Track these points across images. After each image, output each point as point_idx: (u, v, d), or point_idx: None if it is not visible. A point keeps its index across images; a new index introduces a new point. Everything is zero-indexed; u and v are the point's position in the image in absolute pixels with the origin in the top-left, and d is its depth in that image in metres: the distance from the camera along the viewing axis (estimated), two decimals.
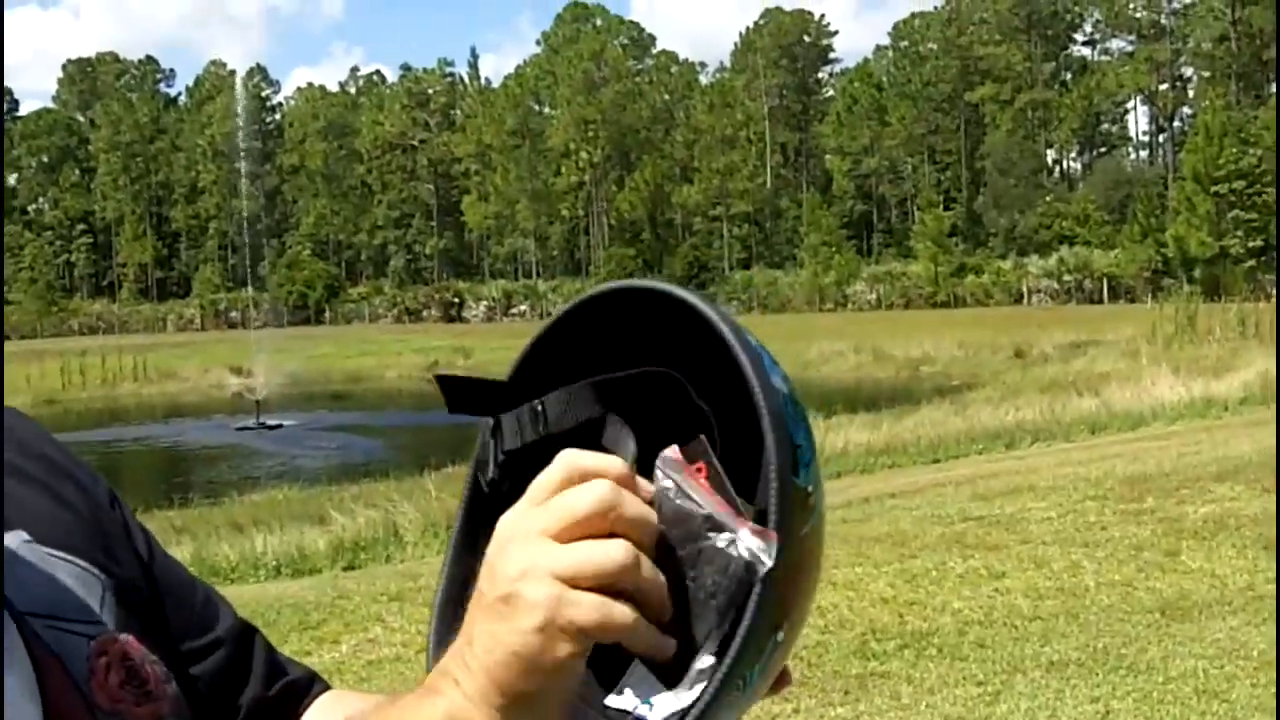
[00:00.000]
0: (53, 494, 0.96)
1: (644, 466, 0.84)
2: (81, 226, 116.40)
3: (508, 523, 0.78)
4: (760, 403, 0.78)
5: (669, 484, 0.78)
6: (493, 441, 0.87)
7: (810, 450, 0.81)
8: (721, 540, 0.76)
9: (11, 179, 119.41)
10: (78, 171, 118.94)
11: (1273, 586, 7.05)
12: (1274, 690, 5.39)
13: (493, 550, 0.77)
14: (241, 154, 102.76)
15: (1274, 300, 33.15)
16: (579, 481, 0.75)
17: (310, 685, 1.09)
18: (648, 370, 0.86)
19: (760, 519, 0.77)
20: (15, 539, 0.89)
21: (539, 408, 0.86)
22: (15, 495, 0.92)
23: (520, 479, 0.83)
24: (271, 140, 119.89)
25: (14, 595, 0.85)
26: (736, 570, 0.76)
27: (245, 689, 1.04)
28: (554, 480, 0.76)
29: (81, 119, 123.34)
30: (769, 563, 0.75)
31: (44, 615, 0.86)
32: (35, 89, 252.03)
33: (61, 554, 0.91)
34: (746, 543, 0.75)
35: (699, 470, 0.78)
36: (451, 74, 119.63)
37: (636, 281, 0.86)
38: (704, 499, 0.77)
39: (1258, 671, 5.70)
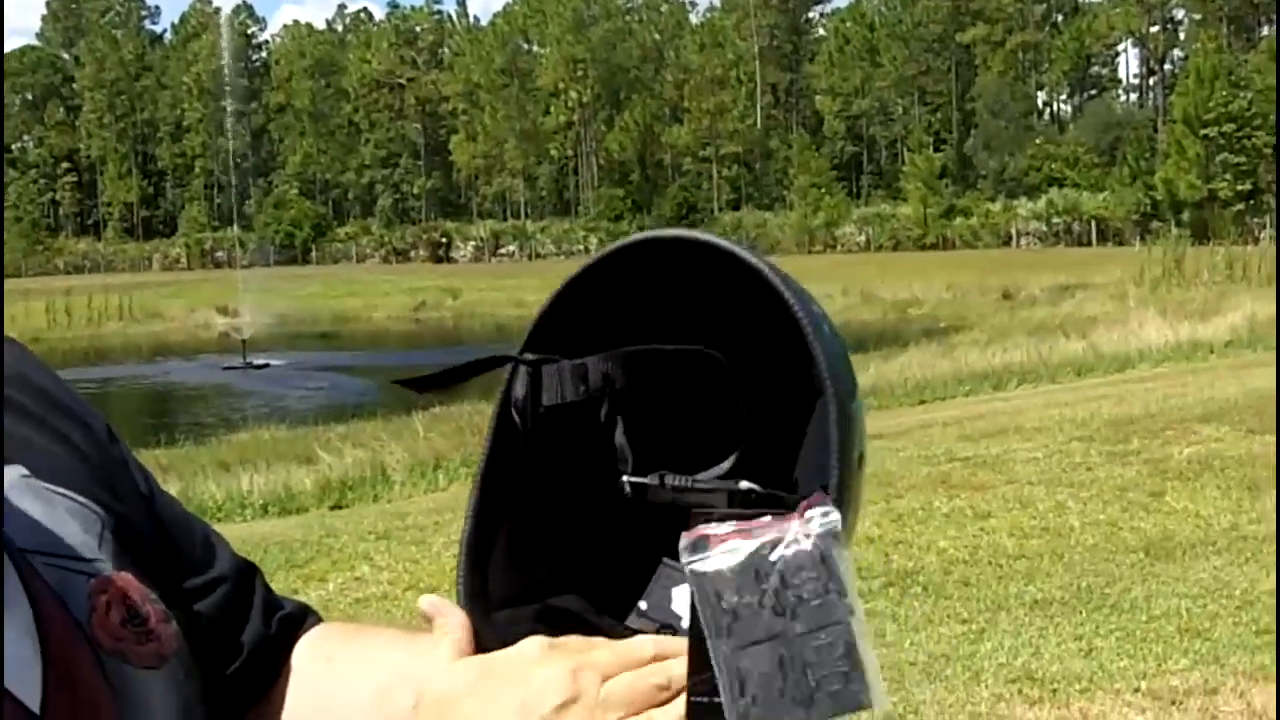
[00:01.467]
0: (51, 429, 0.93)
1: (669, 443, 0.84)
2: (66, 165, 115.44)
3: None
4: (827, 388, 0.75)
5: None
6: (529, 387, 0.82)
7: (862, 414, 0.79)
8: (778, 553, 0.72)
9: None
10: (62, 109, 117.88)
11: (1255, 527, 7.08)
12: (1255, 629, 5.43)
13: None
14: (227, 92, 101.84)
15: (1262, 243, 33.17)
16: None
17: (303, 618, 1.09)
18: (691, 349, 0.83)
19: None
20: (13, 474, 0.86)
21: (583, 369, 0.82)
22: (13, 430, 0.89)
23: (547, 423, 0.82)
24: (258, 79, 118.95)
25: (13, 532, 0.82)
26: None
27: (246, 627, 1.03)
28: (550, 684, 0.68)
29: (66, 56, 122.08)
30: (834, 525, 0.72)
31: (44, 553, 0.84)
32: (19, 26, 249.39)
33: (60, 490, 0.88)
34: (800, 531, 0.71)
35: (721, 522, 0.72)
36: (439, 12, 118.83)
37: (699, 234, 0.81)
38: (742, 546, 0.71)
39: (1240, 610, 5.73)
